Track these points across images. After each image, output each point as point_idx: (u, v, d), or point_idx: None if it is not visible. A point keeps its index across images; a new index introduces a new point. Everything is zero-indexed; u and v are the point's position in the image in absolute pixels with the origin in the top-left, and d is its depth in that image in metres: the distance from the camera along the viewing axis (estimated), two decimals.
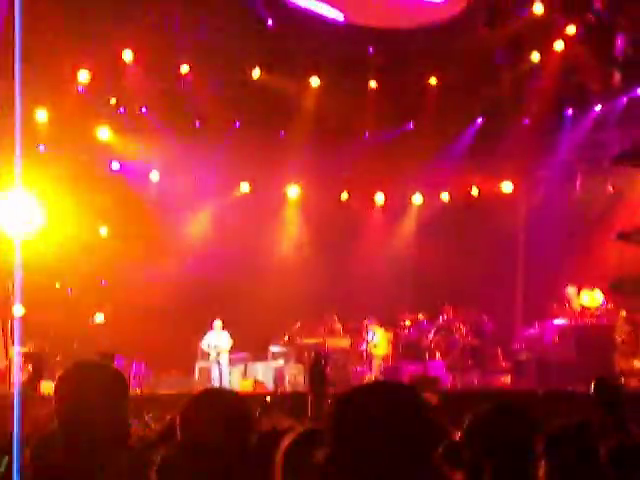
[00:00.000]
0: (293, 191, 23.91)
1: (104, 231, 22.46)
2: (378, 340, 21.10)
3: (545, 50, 21.12)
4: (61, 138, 21.22)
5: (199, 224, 23.45)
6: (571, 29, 20.28)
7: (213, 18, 21.20)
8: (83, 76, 20.63)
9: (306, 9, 20.78)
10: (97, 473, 4.58)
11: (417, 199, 24.31)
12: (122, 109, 22.19)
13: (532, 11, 20.21)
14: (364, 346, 21.19)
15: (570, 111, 22.13)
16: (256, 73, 22.06)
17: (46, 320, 20.57)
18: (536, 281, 21.35)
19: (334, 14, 21.19)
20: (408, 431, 3.35)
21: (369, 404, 3.44)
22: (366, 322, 21.26)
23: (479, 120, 22.98)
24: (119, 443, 5.09)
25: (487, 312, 21.14)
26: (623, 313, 19.65)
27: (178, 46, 21.43)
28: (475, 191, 23.90)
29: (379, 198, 24.37)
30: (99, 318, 21.59)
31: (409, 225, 24.24)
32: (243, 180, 23.91)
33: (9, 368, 19.49)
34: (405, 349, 21.27)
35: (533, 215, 22.85)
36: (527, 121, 22.39)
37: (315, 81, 22.13)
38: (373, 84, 22.56)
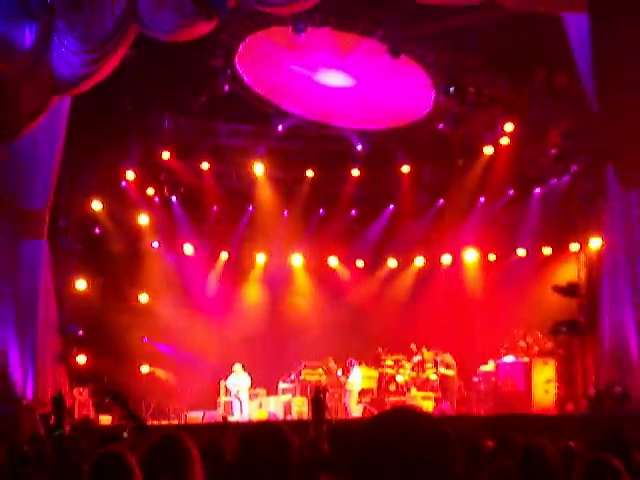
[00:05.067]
0: (297, 259, 24.89)
1: (144, 298, 23.12)
2: (361, 377, 21.31)
3: (494, 144, 22.18)
4: (111, 223, 22.33)
5: (224, 288, 24.40)
6: (509, 127, 21.36)
7: (229, 124, 23.05)
8: (130, 175, 22.20)
9: (304, 117, 22.45)
10: None
11: (392, 263, 25.03)
12: (157, 198, 23.52)
13: (483, 114, 21.53)
14: (350, 382, 21.26)
15: (512, 192, 22.89)
16: (260, 168, 23.68)
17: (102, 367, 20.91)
18: (490, 327, 22.19)
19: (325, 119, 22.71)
20: (430, 464, 3.13)
21: (391, 431, 3.23)
22: (350, 361, 21.43)
23: (440, 201, 24.03)
24: None
25: (452, 352, 21.73)
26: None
27: (198, 146, 23.32)
28: (446, 258, 24.29)
29: (360, 264, 25.17)
30: (144, 369, 22.31)
31: (390, 286, 24.88)
32: (258, 252, 24.86)
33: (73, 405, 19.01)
34: (387, 384, 21.69)
35: (489, 275, 23.63)
36: (482, 199, 23.28)
37: (310, 173, 23.87)
38: (355, 172, 23.93)
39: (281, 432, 4.45)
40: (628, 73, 14.57)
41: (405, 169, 23.86)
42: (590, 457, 5.89)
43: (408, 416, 3.25)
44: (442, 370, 21.58)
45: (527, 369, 19.72)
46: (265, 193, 24.28)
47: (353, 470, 3.20)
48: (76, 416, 18.96)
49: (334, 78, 20.82)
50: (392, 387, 21.78)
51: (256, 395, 21.51)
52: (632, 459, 6.51)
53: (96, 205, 21.85)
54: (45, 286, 19.62)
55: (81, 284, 21.47)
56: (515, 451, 7.03)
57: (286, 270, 24.99)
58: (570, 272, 20.48)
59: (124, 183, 22.48)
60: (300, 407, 20.60)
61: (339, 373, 21.82)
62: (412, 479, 3.06)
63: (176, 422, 19.75)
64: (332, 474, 5.30)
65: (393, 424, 3.23)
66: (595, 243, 18.50)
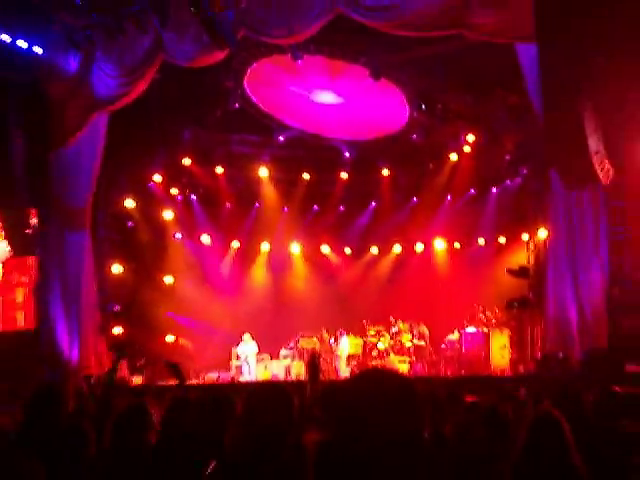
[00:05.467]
0: (295, 247, 25.04)
1: (170, 279, 22.96)
2: (348, 344, 21.42)
3: (458, 152, 22.35)
4: (141, 217, 22.37)
5: (235, 272, 24.42)
6: (471, 137, 21.57)
7: (240, 135, 23.13)
8: (156, 178, 22.29)
9: (301, 129, 22.35)
10: None
11: (374, 250, 25.00)
12: (179, 197, 23.46)
13: (449, 127, 21.44)
14: (339, 348, 21.38)
15: (473, 191, 23.00)
16: (264, 172, 23.87)
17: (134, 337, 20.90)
18: (456, 303, 21.98)
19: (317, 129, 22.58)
20: (399, 413, 3.10)
21: (364, 389, 3.22)
22: (340, 331, 21.65)
23: (414, 199, 24.03)
24: None
25: (424, 323, 21.80)
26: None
27: (213, 154, 23.32)
28: (419, 246, 24.31)
29: (347, 251, 25.18)
30: (169, 338, 22.23)
31: (373, 269, 24.97)
32: (263, 241, 24.77)
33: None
34: (370, 350, 21.69)
35: (454, 260, 23.77)
36: (449, 197, 23.35)
37: (306, 176, 24.00)
38: (344, 175, 24.13)
39: (282, 389, 4.52)
40: (568, 95, 14.57)
41: (385, 172, 23.94)
42: (537, 411, 5.81)
43: (382, 375, 3.32)
44: (415, 341, 21.58)
45: (486, 337, 19.76)
46: (269, 192, 24.32)
47: (337, 420, 3.36)
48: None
49: (326, 97, 20.73)
50: (374, 353, 21.69)
51: (262, 359, 21.42)
52: (582, 404, 6.52)
53: (129, 203, 21.84)
54: (87, 270, 19.69)
55: (117, 268, 21.44)
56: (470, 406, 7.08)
57: (286, 256, 24.99)
58: (521, 257, 20.47)
59: (152, 184, 22.44)
60: (298, 370, 20.51)
61: (331, 341, 21.78)
62: (384, 425, 3.05)
63: (195, 382, 19.62)
64: (318, 428, 5.12)
65: (371, 381, 3.26)
66: (542, 233, 18.52)
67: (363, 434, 3.09)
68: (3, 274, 21.93)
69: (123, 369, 18.64)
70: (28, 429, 5.98)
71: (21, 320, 21.49)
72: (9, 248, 21.27)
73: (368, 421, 3.10)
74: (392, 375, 3.34)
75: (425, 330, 21.80)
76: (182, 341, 22.21)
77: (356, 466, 3.06)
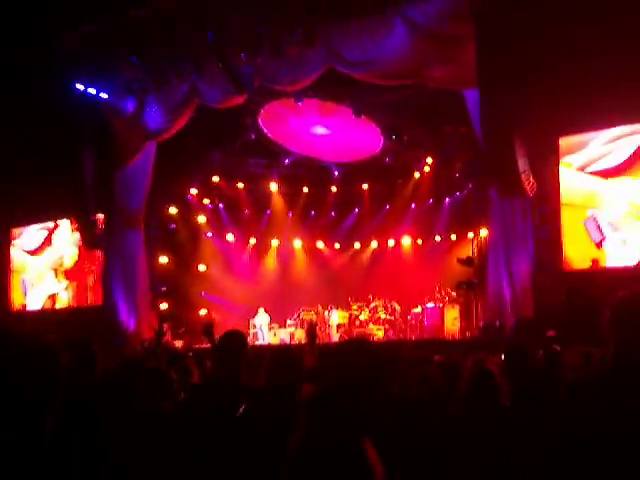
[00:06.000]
0: (297, 243, 24.57)
1: (203, 267, 22.66)
2: (338, 316, 21.09)
3: (420, 171, 22.09)
4: (181, 220, 22.26)
5: (252, 262, 24.19)
6: (430, 160, 21.37)
7: (255, 159, 22.96)
8: (193, 191, 22.29)
9: (301, 154, 22.28)
10: None
11: (357, 245, 24.44)
12: (210, 205, 23.22)
13: (413, 152, 21.39)
14: (331, 319, 21.14)
15: (431, 200, 22.52)
16: (274, 186, 23.79)
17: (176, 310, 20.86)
18: (419, 285, 21.54)
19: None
20: (372, 368, 3.22)
21: (348, 351, 3.35)
22: (331, 306, 21.44)
23: (387, 206, 23.66)
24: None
25: (395, 300, 21.54)
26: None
27: (236, 173, 23.11)
28: (391, 242, 23.74)
29: (337, 246, 24.69)
30: (202, 312, 22.00)
31: (356, 259, 24.57)
32: (273, 238, 24.42)
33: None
34: (353, 320, 21.39)
35: (418, 252, 23.25)
36: (414, 205, 22.97)
37: (305, 189, 23.93)
38: (334, 189, 23.97)
39: (288, 349, 4.65)
40: (502, 129, 14.64)
41: (365, 186, 23.71)
42: (477, 364, 5.99)
43: (361, 341, 3.60)
44: (387, 314, 21.52)
45: (441, 311, 19.55)
46: (277, 202, 24.17)
47: (328, 372, 3.42)
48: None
49: (320, 130, 20.68)
50: (357, 323, 21.49)
51: (272, 328, 21.28)
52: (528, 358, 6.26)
53: (172, 210, 21.78)
54: (141, 260, 19.78)
55: (163, 259, 21.37)
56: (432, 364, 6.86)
57: (290, 250, 24.73)
58: (468, 250, 20.32)
59: (189, 196, 22.34)
60: (299, 336, 20.32)
61: (325, 314, 21.57)
62: (362, 376, 3.21)
63: None
64: (313, 383, 4.99)
65: (353, 344, 3.54)
66: (483, 232, 18.51)
67: (347, 382, 3.21)
68: (77, 263, 22.24)
69: (168, 335, 18.49)
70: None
71: (91, 298, 22.00)
72: (81, 243, 21.48)
73: (351, 372, 3.24)
74: (368, 342, 3.59)
75: (396, 305, 21.62)
76: (212, 314, 21.95)
77: (343, 407, 3.15)
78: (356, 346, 3.48)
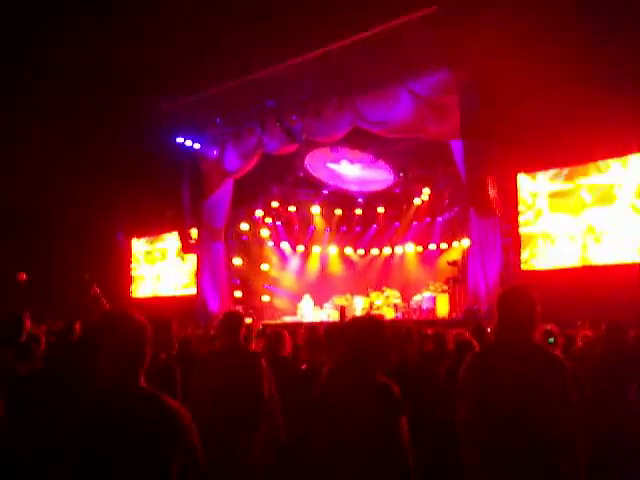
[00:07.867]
0: (333, 249, 23.74)
1: (266, 267, 22.10)
2: (362, 302, 20.39)
3: (420, 198, 21.24)
4: (250, 234, 21.64)
5: (300, 263, 23.42)
6: (427, 190, 20.79)
7: (303, 189, 22.24)
8: (258, 213, 21.52)
9: (336, 186, 21.73)
10: None
11: (375, 251, 23.36)
12: (271, 223, 22.35)
13: (415, 185, 20.67)
14: (355, 304, 20.35)
15: (428, 219, 21.72)
16: (316, 209, 22.80)
17: (247, 298, 20.40)
18: (418, 279, 20.99)
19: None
20: (375, 337, 3.13)
21: (360, 324, 3.30)
22: (355, 294, 20.79)
23: (396, 224, 22.72)
24: None
25: (401, 291, 20.71)
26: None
27: (289, 200, 22.16)
28: (398, 249, 22.72)
29: (361, 252, 23.62)
30: (264, 298, 21.27)
31: (375, 261, 23.49)
32: (315, 246, 23.37)
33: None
34: (371, 305, 20.29)
35: (418, 256, 22.22)
36: (415, 223, 22.04)
37: (338, 211, 23.16)
38: (358, 211, 23.20)
39: (328, 325, 4.58)
40: (479, 169, 14.56)
41: (380, 209, 23.21)
42: (459, 337, 5.78)
43: (373, 317, 3.58)
44: (396, 300, 20.92)
45: (435, 299, 19.18)
46: (318, 220, 23.70)
47: (341, 344, 3.41)
48: None
49: (349, 169, 20.53)
50: (374, 306, 20.83)
51: (314, 309, 20.94)
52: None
53: (244, 226, 21.50)
54: (222, 262, 19.85)
55: (237, 261, 21.19)
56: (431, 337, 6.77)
57: (327, 255, 24.22)
58: (454, 255, 19.99)
59: (256, 217, 21.99)
60: (334, 316, 19.88)
61: (352, 299, 21.07)
62: (367, 343, 3.16)
63: (273, 322, 19.15)
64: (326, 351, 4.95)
65: (367, 319, 3.49)
66: (465, 242, 18.21)
67: (357, 346, 3.18)
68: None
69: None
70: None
71: (190, 289, 21.95)
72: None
73: (357, 338, 3.20)
74: (372, 317, 3.56)
75: (400, 294, 21.16)
76: (272, 300, 21.85)
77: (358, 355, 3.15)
78: (363, 321, 3.48)
